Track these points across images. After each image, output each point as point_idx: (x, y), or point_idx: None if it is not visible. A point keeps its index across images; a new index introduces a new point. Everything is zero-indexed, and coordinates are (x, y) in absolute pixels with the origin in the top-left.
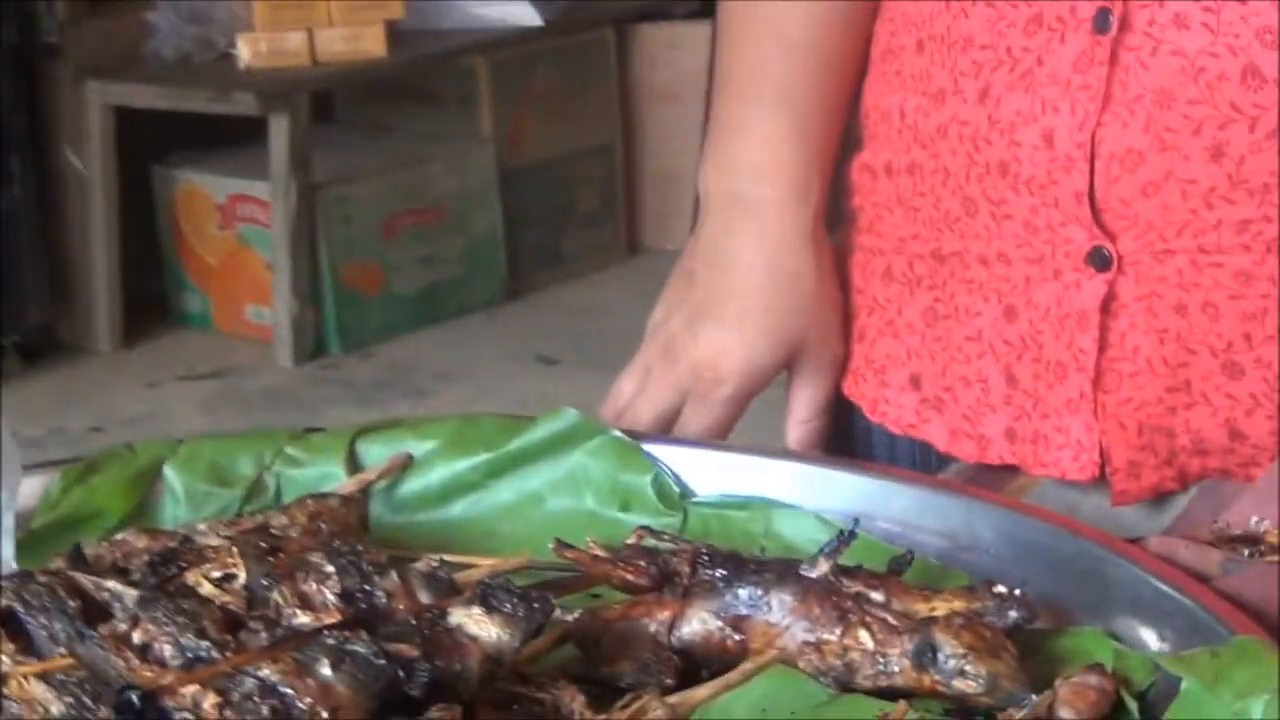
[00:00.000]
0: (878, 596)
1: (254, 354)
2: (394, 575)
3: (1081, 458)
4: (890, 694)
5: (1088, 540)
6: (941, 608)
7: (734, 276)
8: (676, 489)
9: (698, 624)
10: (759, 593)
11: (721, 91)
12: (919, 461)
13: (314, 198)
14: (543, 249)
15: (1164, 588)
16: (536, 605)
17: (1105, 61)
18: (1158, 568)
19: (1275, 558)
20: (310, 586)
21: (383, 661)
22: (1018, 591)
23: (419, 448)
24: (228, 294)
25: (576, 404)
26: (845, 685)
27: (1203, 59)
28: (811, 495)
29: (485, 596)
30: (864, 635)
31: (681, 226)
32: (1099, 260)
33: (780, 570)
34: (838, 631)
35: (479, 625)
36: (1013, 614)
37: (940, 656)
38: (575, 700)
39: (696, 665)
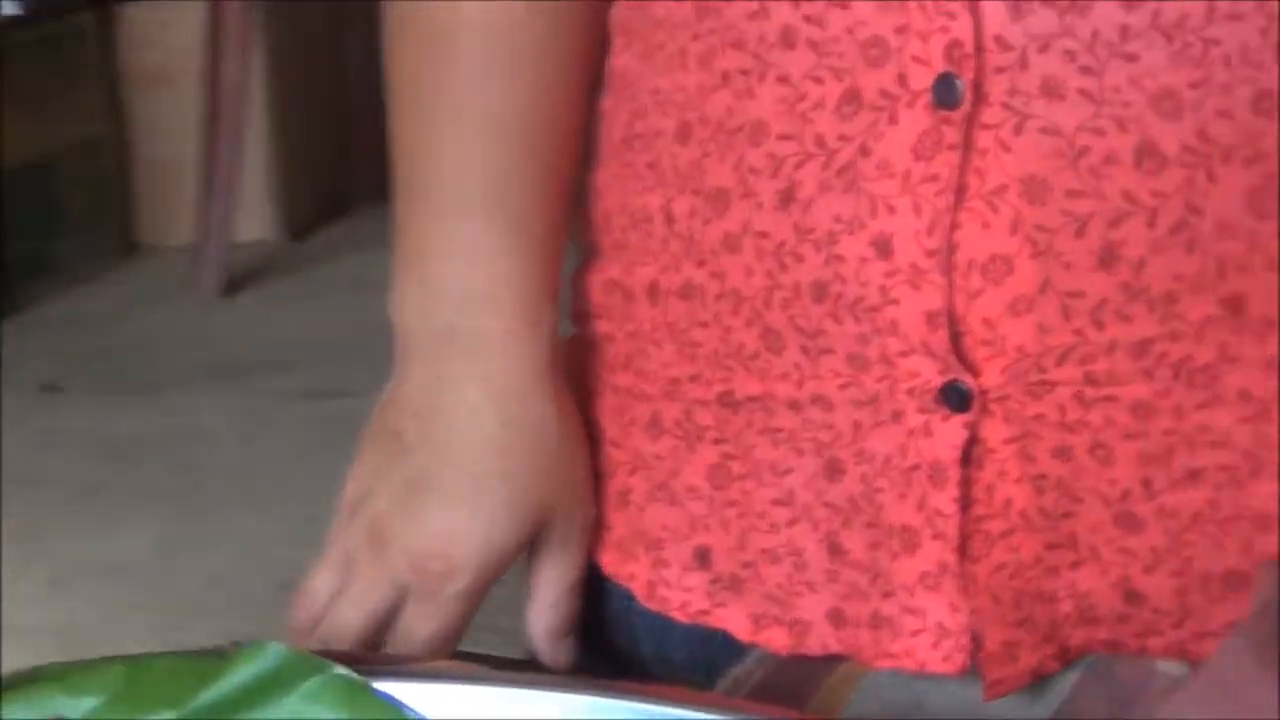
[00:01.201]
0: None
1: None
2: None
3: (944, 644)
4: None
5: None
6: None
7: (458, 435)
8: None
9: None
10: None
11: (410, 194)
12: (699, 650)
13: None
14: (31, 259)
15: None
16: None
17: (956, 144)
18: None
19: None
20: None
21: None
22: None
23: (74, 708)
24: None
25: (90, 441)
26: None
27: (1084, 136)
28: None
29: None
30: None
31: (182, 220)
32: (955, 398)
33: None
34: None
35: None
36: None
37: None
38: None
39: None
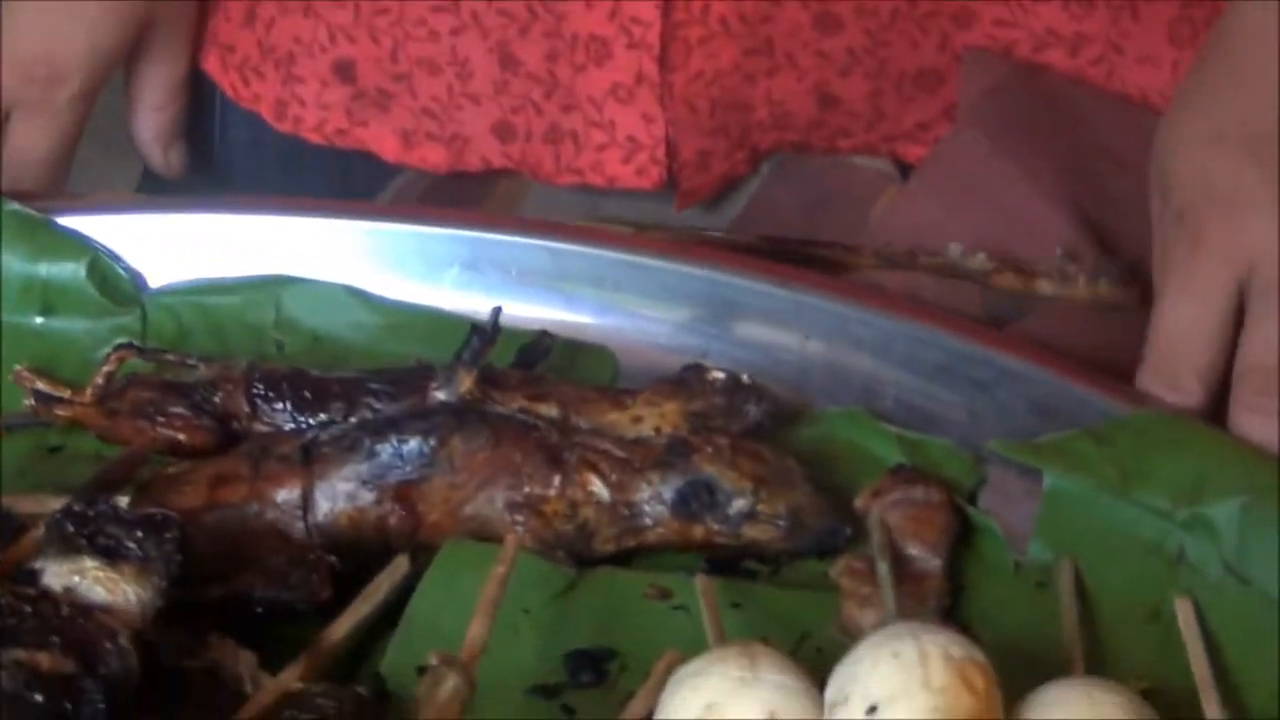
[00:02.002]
0: (579, 421)
1: None
2: None
3: (638, 158)
4: (632, 556)
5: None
6: (650, 415)
7: None
8: (124, 274)
9: (340, 500)
10: (422, 440)
11: None
12: (336, 181)
13: None
14: None
15: (926, 336)
16: (166, 533)
17: None
18: (912, 311)
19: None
20: None
21: (39, 697)
22: (745, 377)
23: None
24: None
25: None
26: (582, 555)
27: None
28: (328, 254)
29: (87, 536)
30: (595, 481)
31: None
32: None
33: (409, 391)
34: (556, 482)
35: (108, 586)
36: (752, 409)
37: (719, 498)
38: (240, 659)
39: (346, 558)
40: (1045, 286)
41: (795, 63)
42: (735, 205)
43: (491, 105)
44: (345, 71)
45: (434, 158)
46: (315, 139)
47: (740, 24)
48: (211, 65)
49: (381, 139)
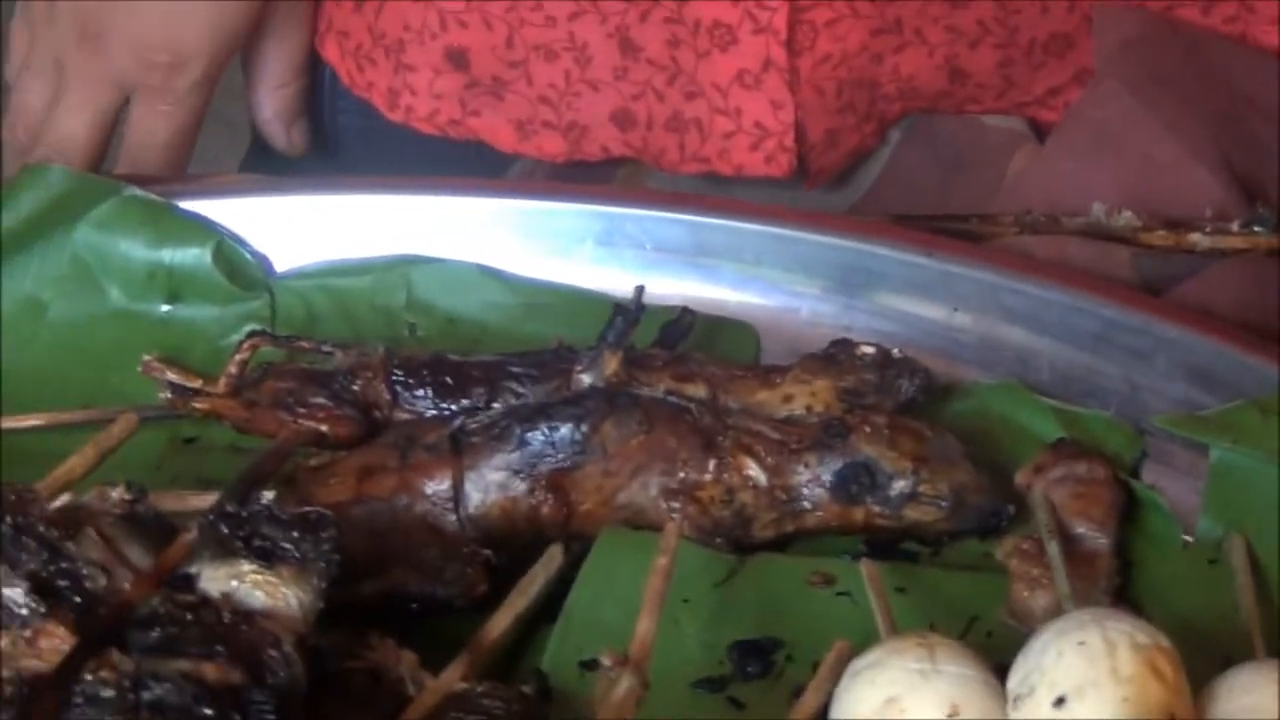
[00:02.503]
0: (728, 401)
1: None
2: (90, 531)
3: (766, 145)
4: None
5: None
6: (801, 394)
7: None
8: (250, 259)
9: (492, 490)
10: (574, 426)
11: None
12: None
13: None
14: None
15: (1081, 305)
16: (323, 533)
17: None
18: (1064, 278)
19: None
20: None
21: (207, 711)
22: (895, 351)
23: None
24: None
25: None
26: (740, 541)
27: None
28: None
29: (243, 538)
30: (751, 465)
31: None
32: None
33: (553, 374)
34: (711, 466)
35: (267, 590)
36: (905, 384)
37: (879, 479)
38: (401, 659)
39: (499, 550)
40: (1199, 240)
41: (924, 39)
42: (866, 176)
43: (611, 92)
44: (458, 59)
45: (551, 147)
46: (428, 130)
47: (867, 4)
48: (329, 51)
49: (496, 129)
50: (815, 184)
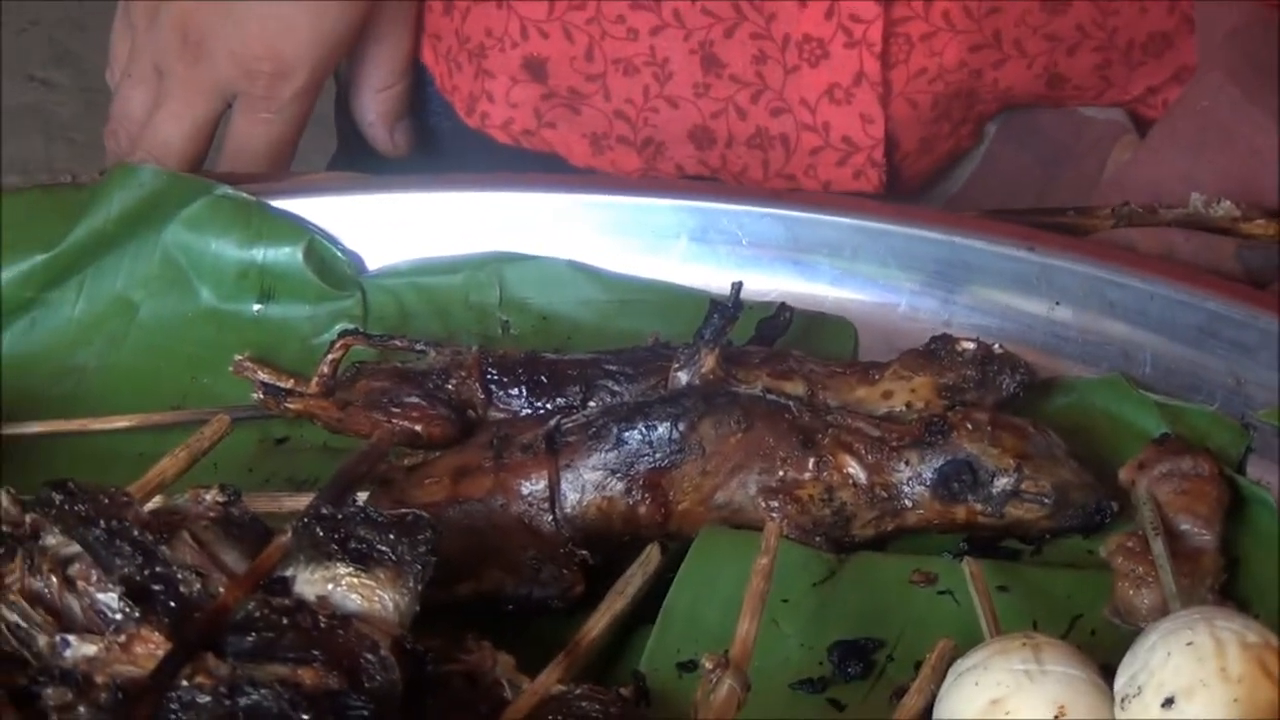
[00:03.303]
0: (827, 398)
1: None
2: (184, 535)
3: (854, 160)
4: (889, 540)
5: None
6: (900, 390)
7: None
8: (342, 257)
9: (589, 490)
10: (671, 425)
11: None
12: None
13: None
14: None
15: (1185, 298)
16: (419, 535)
17: None
18: (1167, 271)
19: None
20: (74, 600)
21: (305, 717)
22: (996, 346)
23: None
24: None
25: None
26: (840, 540)
27: None
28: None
29: (339, 541)
30: (851, 463)
31: None
32: None
33: (649, 372)
34: (811, 464)
35: (363, 593)
36: (1006, 381)
37: (981, 477)
38: (498, 662)
39: (595, 550)
40: None
41: (1024, 50)
42: (963, 170)
43: (690, 109)
44: (536, 69)
45: (625, 163)
46: (502, 138)
47: (965, 18)
48: (425, 54)
49: (570, 142)
50: (908, 190)
